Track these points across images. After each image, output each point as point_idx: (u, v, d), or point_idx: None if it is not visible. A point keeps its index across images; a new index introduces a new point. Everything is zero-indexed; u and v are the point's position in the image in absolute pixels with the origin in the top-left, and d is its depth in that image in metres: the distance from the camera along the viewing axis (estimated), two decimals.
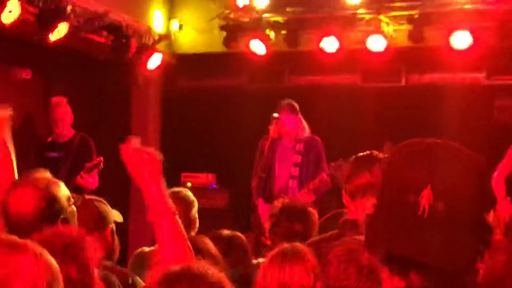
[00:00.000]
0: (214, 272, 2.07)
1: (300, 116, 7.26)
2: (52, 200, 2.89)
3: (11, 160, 3.52)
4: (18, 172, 3.47)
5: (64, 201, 2.95)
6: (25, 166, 3.10)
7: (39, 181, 2.91)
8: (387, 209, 1.57)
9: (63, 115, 7.49)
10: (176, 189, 4.66)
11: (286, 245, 3.09)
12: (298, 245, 3.11)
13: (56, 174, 3.14)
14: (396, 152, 1.62)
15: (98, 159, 6.98)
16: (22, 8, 6.55)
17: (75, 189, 6.09)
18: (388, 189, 1.59)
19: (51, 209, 2.88)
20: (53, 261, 2.03)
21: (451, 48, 7.95)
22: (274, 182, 7.18)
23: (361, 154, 3.32)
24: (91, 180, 6.93)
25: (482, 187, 1.57)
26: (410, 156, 1.58)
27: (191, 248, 2.44)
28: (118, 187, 7.51)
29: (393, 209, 1.56)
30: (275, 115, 7.18)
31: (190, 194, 4.66)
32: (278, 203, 4.40)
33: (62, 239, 2.37)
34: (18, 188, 2.88)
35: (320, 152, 7.16)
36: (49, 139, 7.70)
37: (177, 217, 2.48)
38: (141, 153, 2.57)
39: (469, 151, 1.59)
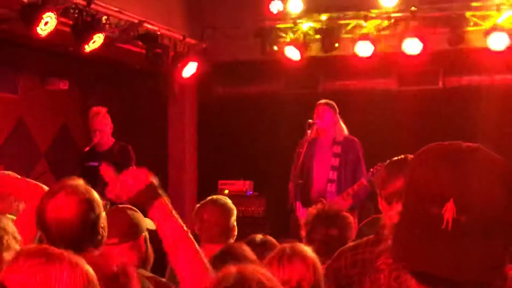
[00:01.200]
0: (269, 276, 2.03)
1: (338, 115, 7.16)
2: (92, 207, 2.89)
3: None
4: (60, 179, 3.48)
5: (101, 208, 2.95)
6: (65, 175, 3.11)
7: (78, 187, 2.91)
8: (411, 219, 1.49)
9: (103, 125, 7.57)
10: (214, 196, 4.66)
11: (285, 244, 3.07)
12: (297, 244, 3.08)
13: (96, 182, 3.15)
14: (421, 156, 1.53)
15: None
16: (58, 20, 6.62)
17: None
18: (411, 198, 1.51)
19: (91, 215, 2.88)
20: (90, 270, 2.03)
21: (488, 50, 7.84)
22: (312, 185, 7.10)
23: (396, 158, 3.26)
24: None
25: (510, 194, 1.48)
26: (435, 162, 1.48)
27: (208, 265, 2.37)
28: None
29: (416, 220, 1.48)
30: (311, 121, 7.13)
31: (229, 201, 4.62)
32: (312, 210, 4.37)
33: (110, 267, 2.34)
34: (57, 195, 2.87)
35: (358, 154, 7.05)
36: (87, 148, 7.76)
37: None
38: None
39: (501, 158, 1.50)
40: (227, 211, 4.49)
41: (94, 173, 7.01)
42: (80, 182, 2.96)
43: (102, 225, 2.93)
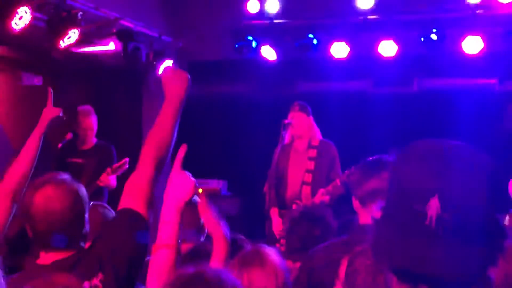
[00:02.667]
0: (229, 277, 2.04)
1: (312, 118, 7.18)
2: (80, 199, 2.89)
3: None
4: (33, 177, 3.53)
5: (87, 201, 2.96)
6: (38, 172, 3.11)
7: (65, 180, 2.91)
8: (393, 216, 1.50)
9: (94, 125, 7.64)
10: None
11: (248, 248, 3.05)
12: (261, 247, 3.03)
13: (79, 179, 3.17)
14: (405, 153, 1.54)
15: (124, 160, 7.20)
16: (33, 14, 6.56)
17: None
18: (394, 195, 1.51)
19: (79, 207, 2.88)
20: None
21: (463, 53, 7.90)
22: (287, 188, 7.12)
23: (369, 159, 3.28)
24: (113, 179, 7.26)
25: (494, 191, 1.48)
26: (419, 159, 1.49)
27: None
28: None
29: (399, 217, 1.48)
30: (286, 121, 7.14)
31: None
32: (296, 209, 4.39)
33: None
34: (46, 187, 2.86)
35: (334, 157, 7.08)
36: (60, 144, 7.71)
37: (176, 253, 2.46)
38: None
39: (482, 153, 1.50)
40: (197, 210, 4.47)
41: (77, 169, 7.08)
42: (66, 175, 2.96)
43: (87, 219, 2.93)
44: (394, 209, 1.50)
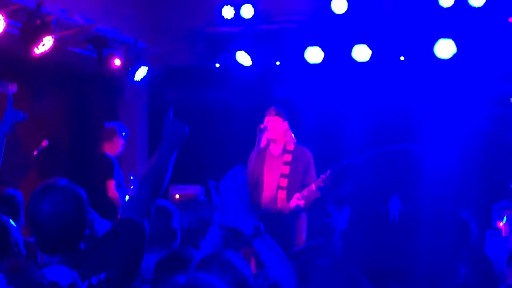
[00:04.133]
0: (222, 285, 2.07)
1: (287, 123, 7.20)
2: (83, 203, 3.05)
3: None
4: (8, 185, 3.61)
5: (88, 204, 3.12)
6: (13, 180, 3.20)
7: (68, 185, 3.05)
8: (360, 220, 1.57)
9: None
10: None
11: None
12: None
13: None
14: (365, 160, 1.63)
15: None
16: (7, 22, 6.54)
17: None
18: (359, 201, 1.59)
19: (83, 211, 3.04)
20: None
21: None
22: (262, 192, 7.14)
23: (343, 163, 3.33)
24: None
25: (452, 188, 1.56)
26: (377, 163, 1.58)
27: None
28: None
29: (366, 220, 1.55)
30: (262, 126, 7.17)
31: (170, 205, 4.65)
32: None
33: None
34: (51, 191, 2.99)
35: (309, 162, 7.10)
36: (35, 152, 7.69)
37: None
38: None
39: (439, 154, 1.59)
40: (168, 215, 4.51)
41: None
42: (64, 181, 3.08)
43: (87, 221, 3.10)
44: (359, 214, 1.57)
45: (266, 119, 7.11)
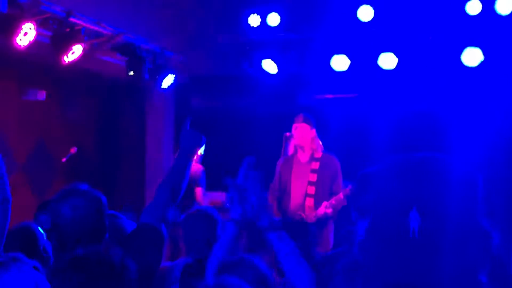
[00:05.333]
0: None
1: (315, 131, 7.19)
2: (103, 207, 3.13)
3: None
4: (37, 191, 3.65)
5: (107, 209, 3.20)
6: (42, 187, 3.26)
7: (89, 189, 3.13)
8: (380, 233, 1.54)
9: None
10: (199, 208, 4.73)
11: None
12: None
13: None
14: (384, 170, 1.59)
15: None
16: (37, 31, 6.64)
17: None
18: (378, 212, 1.55)
19: (103, 215, 3.12)
20: None
21: None
22: (290, 200, 7.13)
23: (367, 170, 3.33)
24: None
25: (474, 197, 1.52)
26: (398, 174, 1.54)
27: None
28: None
29: (385, 233, 1.52)
30: (288, 133, 7.19)
31: (214, 212, 4.68)
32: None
33: None
34: (72, 196, 3.07)
35: (336, 170, 7.07)
36: (64, 159, 7.79)
37: None
38: None
39: (461, 162, 1.56)
40: (214, 222, 4.53)
41: None
42: (85, 185, 3.16)
43: (107, 225, 3.17)
44: (379, 226, 1.54)
45: (294, 126, 7.11)
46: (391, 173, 1.57)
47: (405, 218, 1.47)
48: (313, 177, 7.02)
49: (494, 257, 1.60)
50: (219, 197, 9.28)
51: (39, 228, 3.98)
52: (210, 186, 9.28)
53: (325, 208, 6.84)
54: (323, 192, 6.97)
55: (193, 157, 3.55)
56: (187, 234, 4.47)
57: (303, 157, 7.13)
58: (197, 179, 8.11)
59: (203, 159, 9.21)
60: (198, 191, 7.98)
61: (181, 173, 3.37)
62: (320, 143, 7.23)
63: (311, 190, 7.01)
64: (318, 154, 7.10)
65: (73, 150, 7.90)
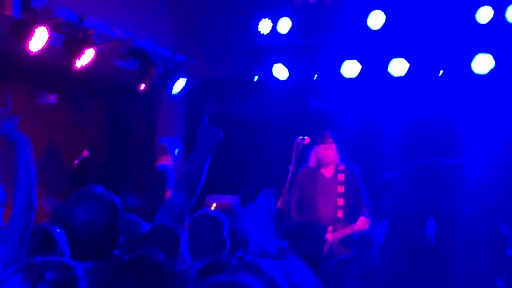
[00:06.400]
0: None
1: (335, 144, 7.27)
2: (117, 211, 3.09)
3: None
4: (49, 194, 3.64)
5: (121, 212, 3.16)
6: (53, 190, 3.26)
7: (103, 193, 3.10)
8: (397, 241, 1.58)
9: None
10: (205, 210, 4.78)
11: None
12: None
13: None
14: (401, 177, 1.63)
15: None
16: (50, 35, 6.69)
17: None
18: (395, 220, 1.59)
19: (117, 219, 3.08)
20: None
21: None
22: (318, 213, 7.17)
23: (385, 176, 3.36)
24: None
25: (490, 203, 1.55)
26: (414, 182, 1.57)
27: None
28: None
29: (402, 241, 1.56)
30: (300, 138, 7.22)
31: (220, 214, 4.71)
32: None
33: None
34: (85, 200, 3.04)
35: (360, 182, 7.17)
36: (76, 161, 7.85)
37: None
38: None
39: (476, 168, 1.58)
40: (219, 225, 4.55)
41: None
42: (101, 188, 3.13)
43: (121, 229, 3.14)
44: (396, 234, 1.58)
45: (322, 146, 7.14)
46: (409, 180, 1.61)
47: (423, 225, 1.51)
48: (341, 189, 7.11)
49: (509, 261, 1.63)
50: (229, 199, 9.31)
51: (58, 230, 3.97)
52: (220, 189, 9.31)
53: (363, 223, 6.88)
54: (351, 203, 7.05)
55: (211, 153, 3.46)
56: (194, 237, 4.49)
57: (327, 171, 7.22)
58: (167, 180, 8.04)
59: (214, 162, 9.23)
60: (169, 194, 7.89)
61: (199, 170, 3.30)
62: (339, 155, 7.30)
63: (341, 202, 7.09)
64: (342, 167, 7.19)
65: (85, 153, 7.96)
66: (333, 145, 7.17)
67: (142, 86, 8.42)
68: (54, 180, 8.65)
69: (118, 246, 3.11)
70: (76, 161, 7.94)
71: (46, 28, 6.62)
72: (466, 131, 8.18)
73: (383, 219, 3.02)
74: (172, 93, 8.94)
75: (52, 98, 9.43)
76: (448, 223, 1.33)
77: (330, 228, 6.97)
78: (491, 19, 7.85)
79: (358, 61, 8.42)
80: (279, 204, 7.23)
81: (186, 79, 8.92)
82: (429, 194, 1.37)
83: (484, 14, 7.87)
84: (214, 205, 8.90)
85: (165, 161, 8.15)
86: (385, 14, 8.25)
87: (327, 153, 7.16)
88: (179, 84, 8.92)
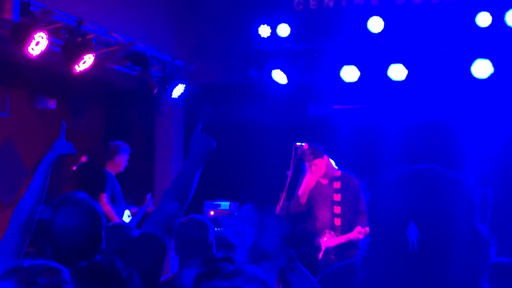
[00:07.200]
0: None
1: (326, 156, 7.22)
2: (97, 216, 3.06)
3: None
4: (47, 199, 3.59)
5: (103, 217, 3.12)
6: (52, 195, 3.22)
7: (83, 198, 3.08)
8: (380, 248, 1.53)
9: None
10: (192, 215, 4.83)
11: None
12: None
13: None
14: (380, 185, 1.58)
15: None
16: (49, 40, 6.68)
17: None
18: (376, 228, 1.54)
19: (98, 224, 3.05)
20: None
21: None
22: (316, 220, 7.17)
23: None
24: None
25: (472, 206, 1.51)
26: (393, 188, 1.52)
27: None
28: None
29: (385, 248, 1.51)
30: (298, 144, 7.19)
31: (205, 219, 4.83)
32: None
33: None
34: (65, 205, 3.03)
35: (357, 188, 7.14)
36: (74, 167, 7.82)
37: None
38: None
39: (458, 174, 1.54)
40: (204, 228, 4.62)
41: None
42: (82, 194, 3.12)
43: (103, 234, 3.10)
44: (378, 241, 1.53)
45: (308, 164, 7.13)
46: (390, 187, 1.56)
47: (405, 231, 1.47)
48: (337, 197, 7.09)
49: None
50: (227, 207, 9.27)
51: None
52: (218, 195, 9.28)
53: (358, 233, 6.85)
54: (348, 211, 7.03)
55: (203, 163, 3.39)
56: (181, 241, 4.53)
57: (322, 180, 7.24)
58: (101, 185, 8.00)
59: (213, 168, 9.21)
60: (102, 197, 7.86)
61: (189, 180, 3.25)
62: (333, 162, 7.26)
63: (337, 210, 7.07)
64: (337, 173, 7.18)
65: (84, 158, 7.92)
66: (320, 161, 7.15)
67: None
68: (53, 186, 8.61)
69: (100, 252, 3.05)
70: (75, 167, 7.91)
71: (45, 33, 6.60)
72: (465, 136, 8.17)
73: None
74: (171, 98, 8.92)
75: (51, 103, 9.41)
76: (432, 227, 1.32)
77: (324, 236, 6.95)
78: (491, 23, 7.84)
79: (357, 65, 8.40)
80: (277, 210, 7.21)
81: (185, 85, 8.90)
82: (412, 200, 1.35)
83: (484, 18, 7.86)
84: (212, 212, 8.87)
85: (112, 165, 8.09)
86: (385, 18, 8.23)
87: (318, 169, 7.16)
88: (178, 89, 8.90)
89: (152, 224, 3.08)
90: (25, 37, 6.46)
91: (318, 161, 7.14)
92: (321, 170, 7.17)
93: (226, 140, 9.78)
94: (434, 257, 1.47)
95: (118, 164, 8.16)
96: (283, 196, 7.15)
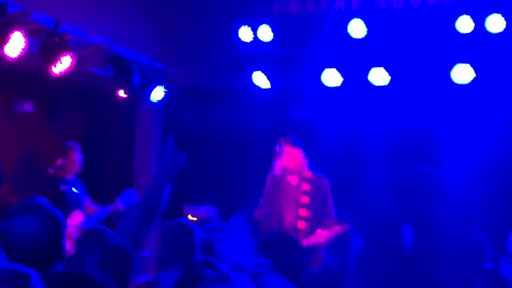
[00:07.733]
0: None
1: (299, 149, 7.02)
2: (57, 224, 2.93)
3: None
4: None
5: (63, 224, 2.99)
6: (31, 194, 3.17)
7: (41, 205, 2.95)
8: (373, 251, 1.52)
9: None
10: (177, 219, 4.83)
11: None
12: None
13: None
14: (373, 188, 1.57)
15: None
16: (26, 41, 6.58)
17: None
18: (369, 230, 1.53)
19: (57, 232, 2.92)
20: None
21: None
22: (282, 222, 6.93)
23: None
24: None
25: (466, 210, 1.51)
26: (387, 190, 1.52)
27: None
28: None
29: (378, 250, 1.50)
30: (279, 147, 7.10)
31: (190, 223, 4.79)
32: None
33: None
34: (22, 214, 2.90)
35: (327, 191, 6.89)
36: (52, 171, 7.71)
37: None
38: None
39: (449, 176, 1.53)
40: (189, 233, 4.61)
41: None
42: (43, 200, 2.99)
43: (64, 242, 2.97)
44: (371, 244, 1.52)
45: (280, 149, 6.93)
46: (384, 189, 1.55)
47: (398, 233, 1.45)
48: (305, 199, 6.84)
49: (486, 269, 1.60)
50: (206, 211, 9.22)
51: None
52: (197, 199, 9.22)
53: (318, 237, 6.68)
54: (316, 214, 6.81)
55: (172, 179, 3.37)
56: (166, 245, 4.52)
57: (292, 179, 6.93)
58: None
59: (192, 172, 9.15)
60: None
61: (158, 195, 3.26)
62: (306, 162, 7.07)
63: (303, 212, 6.83)
64: (308, 174, 6.94)
65: (60, 161, 7.81)
66: (293, 150, 6.89)
67: (121, 93, 8.33)
68: (31, 188, 8.50)
69: (61, 260, 2.93)
70: (52, 170, 7.79)
71: (22, 34, 6.50)
72: (446, 140, 8.18)
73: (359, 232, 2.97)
74: (150, 101, 8.85)
75: (28, 106, 9.29)
76: (425, 230, 1.32)
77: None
78: (472, 29, 7.87)
79: (339, 70, 8.38)
80: (256, 215, 7.11)
81: (164, 88, 8.83)
82: (405, 202, 1.35)
83: (465, 24, 7.88)
84: (190, 216, 8.81)
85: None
86: (366, 23, 8.23)
87: (286, 157, 6.87)
88: (157, 92, 8.83)
89: (121, 236, 3.13)
90: (1, 38, 6.35)
91: (288, 149, 6.87)
92: (290, 160, 6.85)
93: (206, 144, 9.76)
94: (426, 260, 1.46)
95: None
96: (263, 200, 7.07)
